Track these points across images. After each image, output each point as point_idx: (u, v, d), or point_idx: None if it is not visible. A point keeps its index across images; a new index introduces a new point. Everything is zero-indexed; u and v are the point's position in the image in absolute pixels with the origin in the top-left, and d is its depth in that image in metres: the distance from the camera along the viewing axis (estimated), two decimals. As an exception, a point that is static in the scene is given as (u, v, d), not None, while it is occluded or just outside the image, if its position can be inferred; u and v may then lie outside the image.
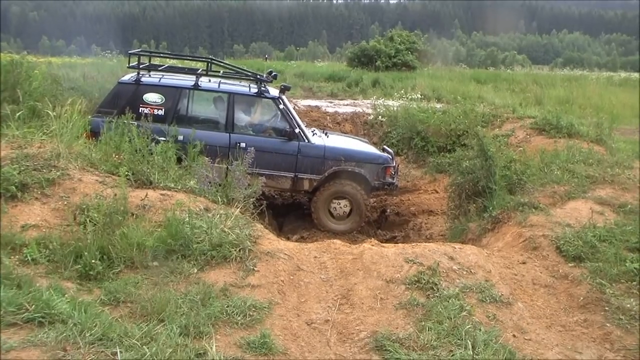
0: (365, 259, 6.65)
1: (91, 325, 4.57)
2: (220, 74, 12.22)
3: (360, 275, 6.38)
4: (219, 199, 8.13)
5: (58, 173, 7.40)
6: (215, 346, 4.78)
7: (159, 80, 11.12)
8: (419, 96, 20.19)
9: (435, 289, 5.98)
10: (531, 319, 5.76)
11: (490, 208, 8.58)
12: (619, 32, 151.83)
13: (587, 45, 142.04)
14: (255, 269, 6.38)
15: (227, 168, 9.46)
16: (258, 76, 11.34)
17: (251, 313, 5.52)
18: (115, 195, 7.00)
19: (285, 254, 6.79)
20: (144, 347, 4.51)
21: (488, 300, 5.90)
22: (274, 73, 11.79)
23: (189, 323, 5.01)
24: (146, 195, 7.46)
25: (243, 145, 10.42)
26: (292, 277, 6.40)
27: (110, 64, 23.41)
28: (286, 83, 12.34)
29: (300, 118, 11.77)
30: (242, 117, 11.33)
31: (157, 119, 10.47)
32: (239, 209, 7.71)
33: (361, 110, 18.86)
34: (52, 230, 6.43)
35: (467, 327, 5.28)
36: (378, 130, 17.21)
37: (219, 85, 11.39)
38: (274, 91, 11.38)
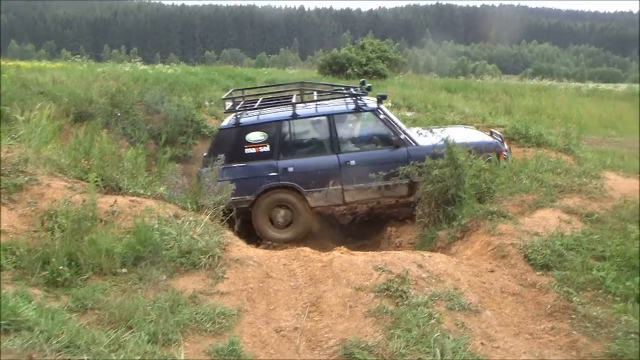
0: (335, 266, 6.67)
1: (58, 333, 4.54)
2: (314, 95, 12.22)
3: (329, 282, 6.40)
4: (189, 206, 8.11)
5: (26, 178, 7.36)
6: (184, 354, 4.78)
7: (258, 118, 11.13)
8: (390, 104, 20.23)
9: (404, 296, 6.01)
10: (499, 327, 5.80)
11: (460, 216, 8.61)
12: (587, 43, 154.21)
13: (556, 55, 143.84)
14: (224, 276, 6.39)
15: (342, 189, 10.10)
16: (352, 90, 11.43)
17: (220, 320, 5.53)
18: (84, 201, 6.97)
19: (255, 261, 6.80)
20: (111, 354, 4.49)
21: (457, 308, 5.93)
22: (367, 84, 11.94)
23: (158, 330, 5.00)
24: (115, 201, 7.43)
25: (353, 162, 10.56)
26: (261, 285, 6.40)
27: (81, 69, 23.27)
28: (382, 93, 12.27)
29: (400, 122, 11.71)
30: (346, 135, 11.26)
31: (264, 156, 10.77)
32: (208, 216, 7.71)
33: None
34: (19, 236, 6.38)
35: (436, 334, 5.31)
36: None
37: (316, 109, 11.31)
38: (371, 102, 11.34)
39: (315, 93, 12.37)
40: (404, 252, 7.50)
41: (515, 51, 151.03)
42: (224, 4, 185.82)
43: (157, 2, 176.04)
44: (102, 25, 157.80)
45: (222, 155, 10.03)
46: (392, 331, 5.42)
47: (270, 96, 12.60)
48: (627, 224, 7.71)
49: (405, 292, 6.07)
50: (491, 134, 11.73)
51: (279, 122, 10.94)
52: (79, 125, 12.35)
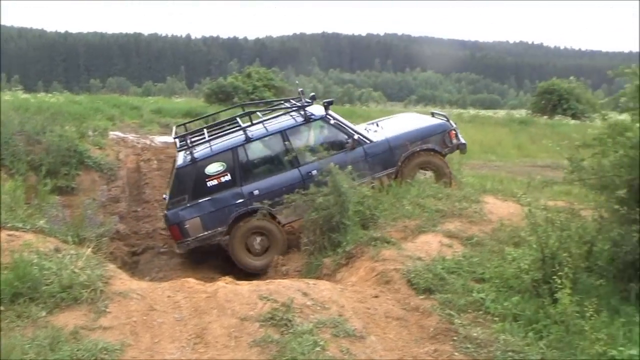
0: (220, 297, 6.62)
1: None
2: (259, 115, 12.31)
3: (214, 313, 6.34)
4: (70, 239, 7.91)
5: None
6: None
7: (212, 150, 11.13)
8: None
9: (289, 325, 6.01)
10: (384, 352, 5.86)
11: (344, 243, 8.72)
12: (468, 71, 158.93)
13: (439, 83, 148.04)
14: (107, 310, 6.25)
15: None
16: (299, 103, 11.73)
17: (102, 356, 5.40)
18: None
19: (138, 294, 6.68)
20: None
21: (342, 335, 5.96)
22: (312, 94, 12.33)
23: (36, 370, 4.83)
24: (-9, 236, 7.17)
25: (314, 172, 10.60)
26: (145, 318, 6.29)
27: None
28: (330, 99, 12.56)
29: (350, 123, 11.93)
30: (302, 147, 11.37)
31: (227, 185, 10.90)
32: (90, 249, 7.52)
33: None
34: None
35: (321, 362, 5.33)
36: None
37: (267, 129, 11.40)
38: (318, 111, 11.50)
39: (259, 114, 12.49)
40: (288, 280, 7.52)
41: (400, 79, 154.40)
42: (110, 31, 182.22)
43: (40, 28, 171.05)
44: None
45: (186, 194, 10.47)
46: (277, 360, 5.41)
47: (215, 125, 12.87)
48: (504, 246, 7.97)
49: (290, 321, 6.07)
50: (433, 115, 12.34)
51: (234, 149, 11.05)
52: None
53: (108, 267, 7.41)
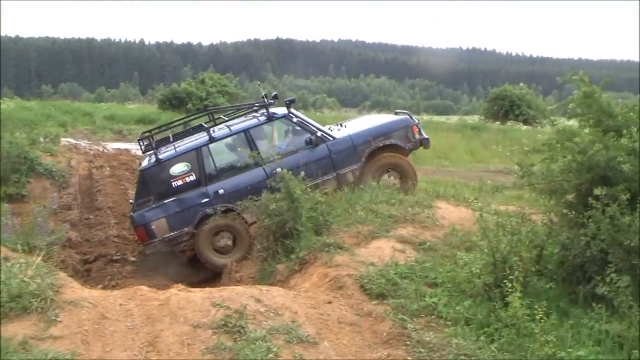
0: (172, 304, 6.56)
1: None
2: (226, 117, 12.65)
3: (167, 321, 6.28)
4: (20, 247, 7.79)
5: None
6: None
7: (176, 150, 11.20)
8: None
9: (242, 332, 5.98)
10: (337, 357, 5.87)
11: (298, 249, 8.73)
12: (421, 77, 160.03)
13: (392, 89, 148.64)
14: (57, 319, 6.15)
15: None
16: (262, 103, 11.71)
17: (52, 366, 5.31)
18: None
19: (90, 303, 6.59)
20: None
21: (295, 341, 5.95)
22: (274, 93, 12.41)
23: (-18, 382, 4.74)
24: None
25: (279, 170, 10.35)
26: (96, 326, 6.21)
27: None
28: (291, 97, 12.55)
29: (313, 121, 12.08)
30: (266, 146, 11.53)
31: (192, 185, 10.97)
32: (40, 257, 7.41)
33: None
34: None
35: (274, 368, 5.32)
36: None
37: (230, 129, 11.61)
38: (281, 110, 11.61)
39: (222, 116, 12.81)
40: (241, 287, 7.49)
41: (354, 85, 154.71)
42: (62, 36, 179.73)
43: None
44: None
45: (151, 195, 10.56)
46: (230, 368, 5.38)
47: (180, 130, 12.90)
48: (456, 251, 8.04)
49: (243, 327, 6.04)
50: (396, 113, 12.50)
51: (198, 149, 11.11)
52: None
53: (59, 275, 7.29)
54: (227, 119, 12.52)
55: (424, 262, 7.81)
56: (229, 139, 11.57)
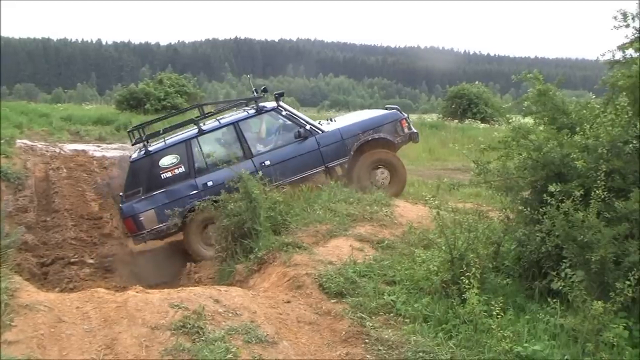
0: (130, 306, 6.49)
1: None
2: (214, 111, 12.75)
3: (124, 323, 6.21)
4: (-27, 252, 7.66)
5: None
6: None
7: (166, 143, 11.35)
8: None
9: (201, 333, 5.93)
10: (296, 357, 5.86)
11: (257, 249, 8.71)
12: (380, 76, 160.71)
13: (351, 88, 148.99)
14: (12, 324, 6.03)
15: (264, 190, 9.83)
16: (252, 96, 11.98)
17: (7, 372, 5.23)
18: None
19: (46, 306, 6.48)
20: None
21: (254, 341, 5.92)
22: (263, 87, 12.65)
23: None
24: None
25: (268, 162, 10.97)
26: (52, 330, 6.11)
27: None
28: (280, 90, 12.98)
29: (302, 114, 12.48)
30: (255, 139, 11.74)
31: (181, 177, 11.16)
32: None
33: (129, 154, 18.52)
34: None
35: (233, 369, 5.29)
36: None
37: (219, 122, 11.87)
38: (270, 104, 11.89)
39: (213, 110, 12.88)
40: (200, 287, 7.45)
41: (313, 84, 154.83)
42: (17, 36, 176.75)
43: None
44: None
45: (140, 187, 10.73)
46: (188, 369, 5.35)
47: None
48: (414, 248, 8.08)
49: (202, 328, 6.00)
50: (386, 108, 12.69)
51: (187, 141, 11.31)
52: None
53: (14, 279, 7.17)
54: (214, 111, 12.72)
55: (383, 261, 7.85)
56: (218, 132, 11.73)
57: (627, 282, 5.06)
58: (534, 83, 7.11)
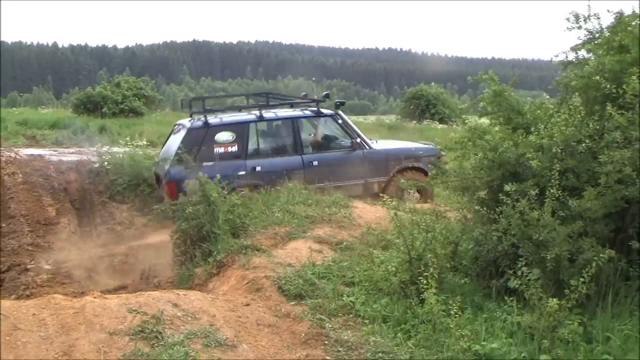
0: (87, 312, 6.42)
1: None
2: (277, 104, 13.31)
3: (82, 329, 6.14)
4: None
5: None
6: None
7: (226, 120, 11.66)
8: (145, 143, 19.99)
9: (159, 337, 5.89)
10: (256, 359, 5.85)
11: (215, 252, 8.67)
12: (339, 78, 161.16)
13: (311, 90, 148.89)
14: (-35, 333, 5.94)
15: (305, 189, 10.68)
16: (314, 98, 12.96)
17: (-40, 382, 5.14)
18: None
19: (1, 314, 6.39)
20: None
21: (213, 345, 5.89)
22: (326, 92, 13.76)
23: None
24: None
25: (315, 163, 11.40)
26: (8, 338, 6.01)
27: None
28: (340, 99, 14.13)
29: (355, 126, 12.71)
30: (308, 138, 12.33)
31: (232, 155, 11.50)
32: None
33: (87, 159, 18.26)
34: None
35: (192, 373, 5.27)
36: (104, 178, 16.70)
37: (281, 114, 12.40)
38: (329, 110, 12.57)
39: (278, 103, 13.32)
40: (158, 292, 7.39)
41: (272, 86, 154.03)
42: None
43: None
44: None
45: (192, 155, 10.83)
46: (147, 374, 5.31)
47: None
48: (373, 249, 8.12)
49: (160, 333, 5.95)
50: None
51: (246, 123, 11.73)
52: None
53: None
54: (278, 104, 13.23)
55: (341, 262, 7.86)
56: (276, 122, 12.27)
57: (582, 279, 5.12)
58: (490, 84, 7.18)
